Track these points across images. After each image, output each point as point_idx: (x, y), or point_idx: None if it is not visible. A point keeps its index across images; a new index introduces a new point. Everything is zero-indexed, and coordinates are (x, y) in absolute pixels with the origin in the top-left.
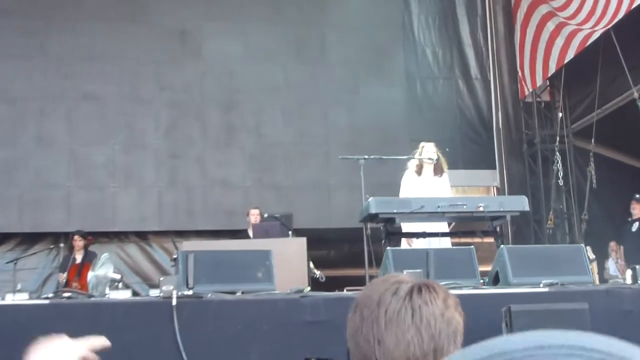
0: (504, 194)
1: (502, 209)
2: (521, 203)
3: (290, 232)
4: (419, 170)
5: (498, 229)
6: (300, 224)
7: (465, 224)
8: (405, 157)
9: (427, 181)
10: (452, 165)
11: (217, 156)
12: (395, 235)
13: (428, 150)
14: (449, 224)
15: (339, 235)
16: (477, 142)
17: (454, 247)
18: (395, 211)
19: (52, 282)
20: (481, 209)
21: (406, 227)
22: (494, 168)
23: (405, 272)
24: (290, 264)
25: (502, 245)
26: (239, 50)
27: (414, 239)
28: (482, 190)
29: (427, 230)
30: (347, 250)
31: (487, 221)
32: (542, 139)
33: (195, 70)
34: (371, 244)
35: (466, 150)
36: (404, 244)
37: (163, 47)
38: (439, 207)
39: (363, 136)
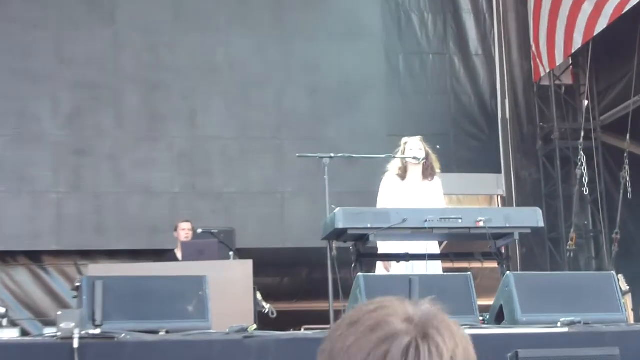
0: (512, 205)
1: (508, 225)
2: (533, 217)
3: (231, 253)
4: (403, 173)
5: (503, 251)
6: (245, 242)
7: (460, 244)
8: (383, 155)
9: (414, 187)
10: (445, 168)
11: (136, 153)
12: (370, 258)
13: (413, 148)
14: (440, 244)
15: (295, 257)
16: (477, 137)
17: (446, 274)
18: (369, 226)
19: None
20: (481, 224)
21: (384, 247)
22: (499, 172)
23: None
24: (231, 295)
25: (508, 272)
26: (167, 16)
27: (394, 263)
28: (482, 200)
29: (411, 252)
30: (306, 277)
31: (489, 240)
32: (562, 134)
33: (108, 40)
34: (337, 269)
35: (463, 149)
36: (381, 269)
37: (63, 7)
38: (426, 221)
39: (328, 128)
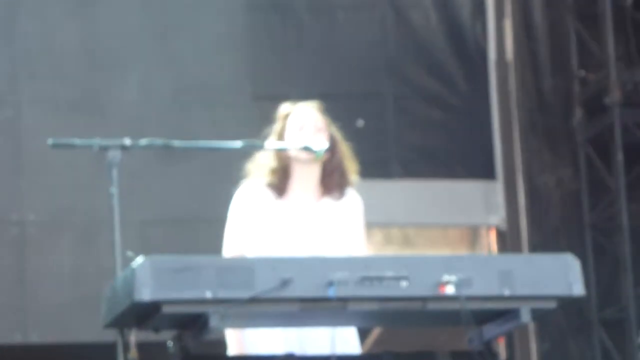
0: (519, 249)
1: (508, 292)
2: (563, 275)
3: None
4: (281, 181)
5: (500, 349)
6: None
7: (407, 334)
8: (239, 143)
9: (304, 212)
10: (375, 171)
11: None
12: None
13: (303, 126)
14: (363, 334)
15: None
16: (444, 102)
17: None
18: (209, 296)
19: None
20: (449, 289)
21: (239, 341)
22: (491, 177)
23: None
24: None
25: None
26: None
27: None
28: (456, 238)
29: (300, 351)
30: None
31: (466, 326)
32: (628, 94)
33: None
34: None
35: (412, 128)
36: None
37: None
38: (332, 283)
39: (120, 84)
